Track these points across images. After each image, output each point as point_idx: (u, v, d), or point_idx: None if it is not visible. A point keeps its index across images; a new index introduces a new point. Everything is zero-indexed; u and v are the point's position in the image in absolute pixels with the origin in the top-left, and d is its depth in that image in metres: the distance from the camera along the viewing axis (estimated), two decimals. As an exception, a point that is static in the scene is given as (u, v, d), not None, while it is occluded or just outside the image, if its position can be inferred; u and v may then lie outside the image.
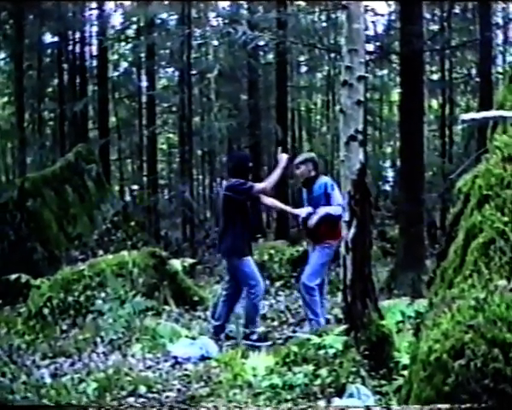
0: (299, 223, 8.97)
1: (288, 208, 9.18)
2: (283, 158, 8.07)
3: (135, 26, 23.61)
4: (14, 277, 10.67)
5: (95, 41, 24.00)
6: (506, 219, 3.55)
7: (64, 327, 8.63)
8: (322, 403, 5.31)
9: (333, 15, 21.75)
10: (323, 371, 5.70)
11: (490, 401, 2.77)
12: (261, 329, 8.19)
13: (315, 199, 8.09)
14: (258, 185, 8.01)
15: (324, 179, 8.22)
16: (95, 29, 23.67)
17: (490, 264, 3.41)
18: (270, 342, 7.88)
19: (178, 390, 6.04)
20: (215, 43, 20.15)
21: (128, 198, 24.47)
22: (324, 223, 7.92)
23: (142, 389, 6.01)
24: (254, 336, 7.87)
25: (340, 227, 7.10)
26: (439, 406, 2.87)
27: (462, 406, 2.80)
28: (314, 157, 8.52)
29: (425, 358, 3.01)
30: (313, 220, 8.00)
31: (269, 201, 8.56)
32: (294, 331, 8.46)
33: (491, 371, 2.83)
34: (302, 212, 8.30)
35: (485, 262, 3.44)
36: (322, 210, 7.94)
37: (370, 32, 20.42)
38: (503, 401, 2.76)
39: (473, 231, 3.66)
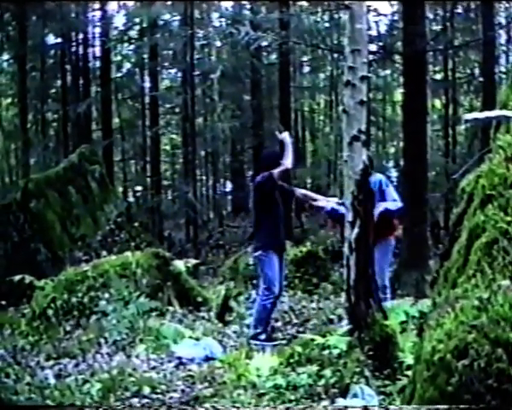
0: (326, 214, 8.90)
1: (318, 197, 8.93)
2: (287, 137, 8.12)
3: (138, 27, 23.61)
4: (17, 278, 10.69)
5: (98, 42, 24.04)
6: (509, 218, 3.55)
7: (68, 328, 8.64)
8: (325, 403, 5.32)
9: (336, 16, 21.70)
10: (327, 372, 5.70)
11: (493, 401, 2.77)
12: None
13: None
14: (276, 170, 8.01)
15: (378, 176, 8.06)
16: (98, 30, 23.71)
17: (493, 264, 3.41)
18: (276, 342, 7.88)
19: (182, 391, 6.05)
20: (218, 43, 20.18)
21: (131, 199, 24.49)
22: (383, 219, 7.74)
23: (146, 390, 6.02)
24: (262, 336, 7.91)
25: (395, 223, 7.05)
26: (438, 406, 2.87)
27: (461, 406, 2.80)
28: (368, 155, 8.33)
29: (428, 358, 3.01)
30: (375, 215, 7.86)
31: (300, 192, 8.85)
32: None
33: (494, 371, 2.83)
34: (328, 205, 8.19)
35: (488, 262, 3.43)
36: (382, 205, 7.79)
37: (373, 33, 20.39)
38: (506, 401, 2.76)
39: (476, 231, 3.66)
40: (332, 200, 8.33)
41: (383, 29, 20.54)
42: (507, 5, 18.42)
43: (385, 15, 21.20)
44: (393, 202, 7.54)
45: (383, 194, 7.88)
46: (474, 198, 3.93)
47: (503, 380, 2.81)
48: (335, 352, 5.94)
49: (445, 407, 2.83)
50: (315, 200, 8.48)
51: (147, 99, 24.53)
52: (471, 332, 2.95)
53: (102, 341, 7.89)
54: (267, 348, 7.45)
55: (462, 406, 2.80)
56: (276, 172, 7.98)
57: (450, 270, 3.82)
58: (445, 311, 3.21)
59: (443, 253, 4.37)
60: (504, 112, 4.43)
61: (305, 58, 26.41)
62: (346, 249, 6.31)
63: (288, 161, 8.00)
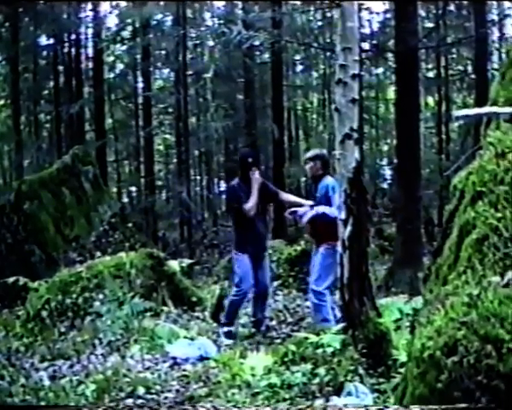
0: (296, 219, 8.97)
1: (299, 201, 8.76)
2: (256, 177, 8.23)
3: (130, 28, 23.60)
4: (11, 280, 10.68)
5: (90, 43, 24.01)
6: (500, 215, 3.56)
7: (62, 329, 8.61)
8: (320, 402, 5.32)
9: (328, 14, 21.72)
10: (322, 370, 5.71)
11: (483, 397, 2.77)
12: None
13: (317, 198, 7.93)
14: (245, 205, 8.14)
15: (328, 181, 7.86)
16: (90, 31, 23.68)
17: (484, 260, 3.42)
18: (231, 342, 7.88)
19: (177, 391, 6.04)
20: (210, 43, 20.17)
21: (125, 199, 24.47)
22: (322, 223, 7.77)
23: (141, 391, 6.01)
24: (225, 329, 8.17)
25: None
26: (431, 407, 2.87)
27: (451, 406, 2.81)
28: (324, 155, 8.29)
29: (418, 355, 3.01)
30: (305, 217, 7.94)
31: (283, 197, 8.90)
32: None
33: (484, 367, 2.83)
34: (300, 209, 8.19)
35: (478, 259, 3.44)
36: (320, 209, 7.77)
37: (366, 31, 20.46)
38: (496, 398, 2.77)
39: (466, 228, 3.67)
40: (304, 207, 8.26)
41: (376, 27, 20.61)
42: (499, 2, 18.49)
43: (377, 14, 21.30)
44: (331, 208, 7.49)
45: (329, 200, 7.70)
46: (465, 195, 3.94)
47: (492, 376, 2.81)
48: (329, 350, 5.94)
49: (436, 407, 2.83)
50: (300, 205, 8.41)
51: (140, 99, 24.53)
52: (461, 329, 2.95)
53: (97, 342, 7.88)
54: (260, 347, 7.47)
55: (451, 406, 2.80)
56: (243, 208, 8.14)
57: (441, 267, 3.83)
58: (435, 308, 3.21)
59: (435, 250, 4.38)
60: (494, 108, 4.44)
61: (297, 57, 26.43)
62: (339, 247, 6.32)
63: (249, 205, 8.11)
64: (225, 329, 8.18)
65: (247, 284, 8.20)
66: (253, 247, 8.22)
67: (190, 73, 21.30)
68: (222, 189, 27.59)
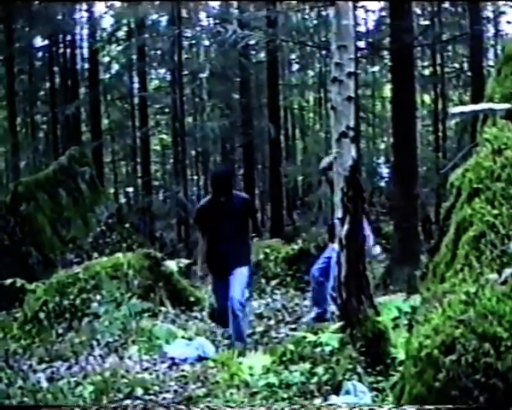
0: None
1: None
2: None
3: (125, 28, 23.56)
4: (9, 281, 10.64)
5: (85, 44, 23.99)
6: (496, 212, 3.55)
7: (60, 331, 8.62)
8: (318, 401, 5.32)
9: (323, 13, 21.70)
10: (320, 369, 5.70)
11: (481, 396, 2.76)
12: None
13: None
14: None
15: None
16: (85, 32, 23.66)
17: (481, 258, 3.41)
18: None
19: (175, 391, 6.03)
20: (206, 43, 20.15)
21: (122, 200, 24.45)
22: None
23: (139, 391, 6.00)
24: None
25: None
26: (428, 407, 2.86)
27: (445, 406, 2.79)
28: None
29: (416, 354, 3.00)
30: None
31: None
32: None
33: (482, 365, 2.82)
34: None
35: (476, 256, 3.43)
36: None
37: (361, 29, 20.44)
38: (494, 396, 2.76)
39: (463, 225, 3.66)
40: None
41: (371, 25, 20.60)
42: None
43: (373, 12, 21.27)
44: None
45: None
46: (462, 192, 3.93)
47: (490, 375, 2.80)
48: (328, 349, 5.94)
49: (432, 407, 2.82)
50: None
51: (136, 100, 24.50)
52: (458, 327, 2.94)
53: (95, 343, 7.87)
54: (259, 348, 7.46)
55: (447, 406, 2.79)
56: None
57: (438, 264, 3.82)
58: (432, 306, 3.20)
59: (432, 247, 4.37)
60: (490, 105, 4.44)
61: (293, 56, 26.42)
62: (336, 246, 6.31)
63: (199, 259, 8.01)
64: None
65: (217, 302, 7.91)
66: (217, 269, 7.77)
67: (186, 72, 21.29)
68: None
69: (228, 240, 7.62)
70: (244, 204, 7.88)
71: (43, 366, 7.35)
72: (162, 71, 25.91)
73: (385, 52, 17.34)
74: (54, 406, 5.73)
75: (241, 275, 7.63)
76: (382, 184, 25.22)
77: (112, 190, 25.01)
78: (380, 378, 5.56)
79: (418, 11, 18.95)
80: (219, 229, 7.67)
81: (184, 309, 9.54)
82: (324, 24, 21.70)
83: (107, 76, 25.43)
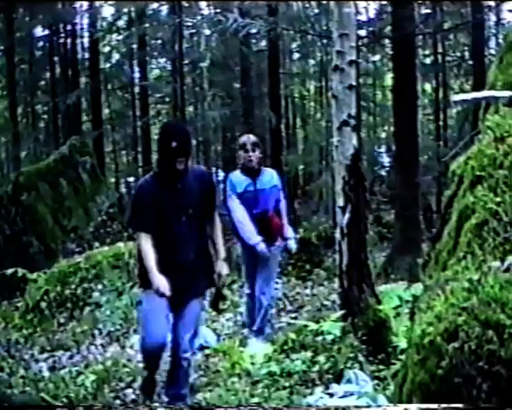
0: None
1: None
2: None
3: (126, 17, 23.49)
4: (10, 271, 10.63)
5: (86, 33, 23.91)
6: (499, 199, 3.54)
7: (61, 320, 8.64)
8: (320, 389, 5.32)
9: (324, 1, 21.64)
10: (321, 358, 5.71)
11: (484, 383, 2.75)
12: None
13: None
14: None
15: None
16: (85, 21, 23.58)
17: (483, 245, 3.41)
18: None
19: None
20: (206, 32, 20.07)
21: (123, 190, 24.44)
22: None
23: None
24: None
25: None
26: (429, 406, 2.86)
27: (449, 406, 2.79)
28: None
29: (418, 341, 3.00)
30: None
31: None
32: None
33: (485, 353, 2.82)
34: None
35: (478, 243, 3.43)
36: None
37: (363, 17, 20.35)
38: (497, 384, 2.75)
39: (466, 213, 3.65)
40: None
41: (372, 14, 20.52)
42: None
43: (374, 0, 21.16)
44: None
45: None
46: (464, 180, 3.92)
47: (493, 362, 2.80)
48: (329, 338, 5.95)
49: (435, 406, 2.82)
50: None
51: (136, 89, 24.45)
52: (461, 314, 2.94)
53: (96, 332, 7.90)
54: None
55: (450, 405, 2.79)
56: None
57: (440, 252, 3.82)
58: (435, 293, 3.20)
59: (434, 235, 4.37)
60: (492, 92, 4.42)
61: (294, 44, 26.30)
62: (337, 235, 6.31)
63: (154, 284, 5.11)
64: None
65: (150, 338, 5.26)
66: (171, 286, 5.06)
67: (187, 61, 21.23)
68: (220, 178, 27.56)
69: (187, 245, 5.28)
70: (205, 182, 5.64)
71: (45, 355, 7.37)
72: (163, 60, 25.84)
73: (386, 41, 17.30)
74: (46, 406, 5.73)
75: (195, 308, 5.48)
76: (383, 172, 25.21)
77: (113, 180, 24.97)
78: (381, 367, 5.58)
79: (419, -1, 18.86)
80: (174, 225, 5.23)
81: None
82: (326, 12, 21.65)
83: (108, 65, 25.36)
